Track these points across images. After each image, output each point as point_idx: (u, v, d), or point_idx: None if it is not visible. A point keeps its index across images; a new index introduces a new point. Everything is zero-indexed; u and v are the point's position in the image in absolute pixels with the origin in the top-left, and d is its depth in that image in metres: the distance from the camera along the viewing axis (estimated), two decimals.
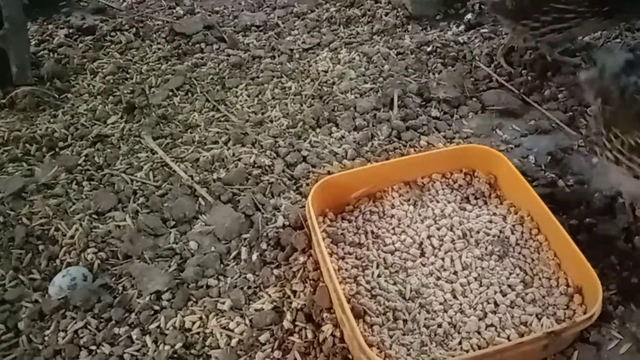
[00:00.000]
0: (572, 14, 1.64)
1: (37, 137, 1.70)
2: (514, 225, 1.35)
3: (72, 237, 1.42)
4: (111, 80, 1.92)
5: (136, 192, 1.53)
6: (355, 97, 1.80)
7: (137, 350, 1.20)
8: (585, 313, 1.15)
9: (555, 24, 1.68)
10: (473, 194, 1.45)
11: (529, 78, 1.84)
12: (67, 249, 1.40)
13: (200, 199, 1.50)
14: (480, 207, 1.42)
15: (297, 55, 1.99)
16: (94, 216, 1.47)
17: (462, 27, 2.08)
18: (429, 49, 1.98)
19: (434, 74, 1.88)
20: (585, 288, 1.19)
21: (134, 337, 1.22)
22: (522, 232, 1.34)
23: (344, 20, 2.14)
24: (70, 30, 2.14)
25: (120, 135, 1.70)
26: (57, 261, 1.38)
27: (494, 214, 1.39)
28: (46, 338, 1.22)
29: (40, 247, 1.40)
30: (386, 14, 2.13)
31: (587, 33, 1.95)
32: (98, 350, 1.20)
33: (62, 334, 1.23)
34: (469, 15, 2.11)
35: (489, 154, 1.43)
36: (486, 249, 1.31)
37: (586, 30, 1.82)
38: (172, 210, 1.46)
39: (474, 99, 1.78)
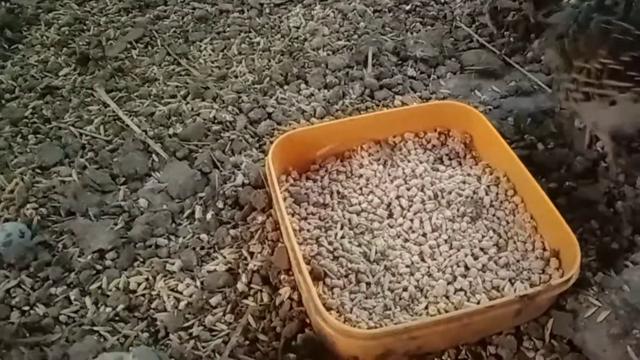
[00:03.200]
0: None
1: None
2: (488, 186, 1.26)
3: (11, 191, 1.31)
4: (66, 32, 1.78)
5: (85, 147, 1.42)
6: (328, 54, 1.69)
7: (75, 312, 1.10)
8: (562, 277, 1.06)
9: None
10: (447, 155, 1.35)
11: (511, 39, 1.74)
12: (6, 204, 1.29)
13: (153, 155, 1.38)
14: (454, 167, 1.33)
15: (267, 10, 1.87)
16: (37, 170, 1.36)
17: None
18: (407, 8, 1.87)
19: (412, 33, 1.78)
20: (562, 252, 1.11)
21: (72, 297, 1.12)
22: (497, 194, 1.25)
23: None
24: None
25: (71, 88, 1.58)
26: None
27: (468, 174, 1.30)
28: None
29: None
30: None
31: None
32: (31, 311, 1.10)
33: None
34: None
35: (465, 111, 1.34)
36: (458, 210, 1.22)
37: None
38: (122, 166, 1.35)
39: (453, 59, 1.68)
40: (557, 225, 1.10)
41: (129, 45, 1.71)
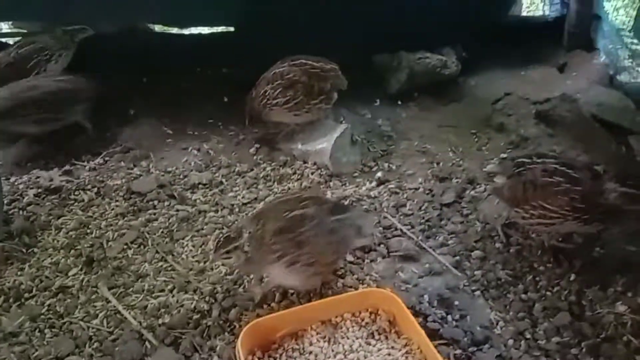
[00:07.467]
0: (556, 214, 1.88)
1: (5, 290, 1.95)
2: (406, 357, 1.66)
3: None
4: (73, 235, 2.19)
5: (92, 338, 1.77)
6: None
7: None
8: None
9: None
10: (377, 330, 1.76)
11: (428, 225, 2.23)
12: None
13: (147, 342, 1.75)
14: (382, 341, 1.73)
15: (237, 209, 2.34)
16: None
17: (374, 183, 2.50)
18: (346, 203, 2.37)
19: None
20: None
21: None
22: None
23: (278, 178, 2.53)
24: (39, 190, 2.42)
25: (79, 286, 1.96)
26: None
27: (392, 347, 1.70)
28: None
29: None
30: (312, 173, 2.55)
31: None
32: None
33: None
34: (379, 174, 2.55)
35: (386, 296, 1.77)
36: None
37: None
38: (123, 354, 1.71)
39: (382, 245, 2.14)
40: None
41: (125, 246, 2.13)
